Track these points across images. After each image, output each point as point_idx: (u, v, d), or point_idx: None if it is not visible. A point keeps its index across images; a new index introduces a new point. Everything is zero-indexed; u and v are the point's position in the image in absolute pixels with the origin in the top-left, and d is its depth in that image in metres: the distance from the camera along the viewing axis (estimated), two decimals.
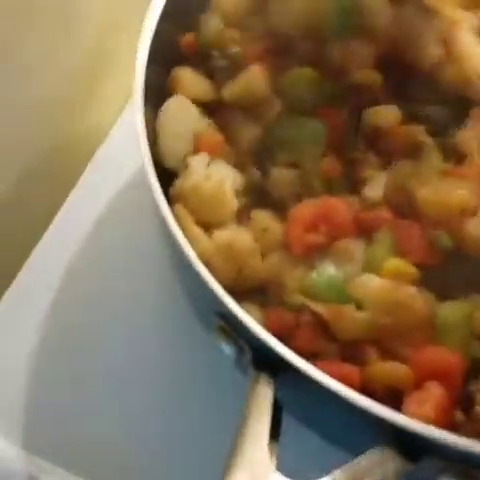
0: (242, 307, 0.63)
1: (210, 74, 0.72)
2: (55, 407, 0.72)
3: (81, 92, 0.89)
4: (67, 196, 0.85)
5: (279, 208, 0.68)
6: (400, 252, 0.62)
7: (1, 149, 0.80)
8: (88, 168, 0.87)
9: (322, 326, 0.60)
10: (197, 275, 0.55)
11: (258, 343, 0.53)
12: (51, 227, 0.83)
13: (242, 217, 0.69)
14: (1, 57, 0.75)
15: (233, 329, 0.55)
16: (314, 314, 0.60)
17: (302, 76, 0.68)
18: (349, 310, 0.59)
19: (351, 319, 0.59)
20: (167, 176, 0.68)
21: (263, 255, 0.66)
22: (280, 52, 0.70)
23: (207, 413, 0.70)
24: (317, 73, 0.69)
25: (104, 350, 0.75)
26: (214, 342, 0.56)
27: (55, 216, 0.84)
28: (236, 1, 0.74)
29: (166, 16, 0.70)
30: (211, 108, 0.71)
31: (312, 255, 0.64)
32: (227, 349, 0.56)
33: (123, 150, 0.83)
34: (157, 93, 0.70)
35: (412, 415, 0.53)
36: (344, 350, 0.59)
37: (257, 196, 0.69)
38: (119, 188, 0.85)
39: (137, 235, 0.79)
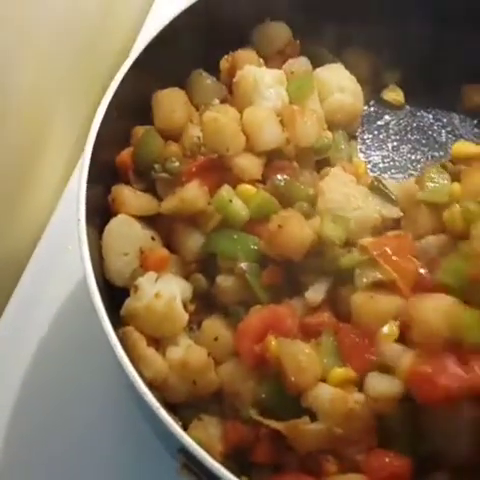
0: (201, 419, 0.68)
1: (150, 187, 0.75)
2: None
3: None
4: None
5: (229, 313, 0.71)
6: (344, 356, 0.67)
7: None
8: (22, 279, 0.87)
9: (281, 438, 0.64)
10: (160, 421, 0.58)
11: None
12: None
13: (193, 323, 0.73)
14: None
15: (196, 466, 0.58)
16: (271, 428, 0.64)
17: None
18: (305, 423, 0.63)
19: (307, 432, 0.63)
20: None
21: (217, 363, 0.69)
22: (218, 168, 0.72)
23: None
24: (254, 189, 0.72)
25: None
26: (179, 476, 0.59)
27: None
28: (177, 116, 0.77)
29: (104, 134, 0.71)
30: (154, 219, 0.74)
31: (264, 364, 0.67)
32: None
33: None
34: (98, 212, 0.72)
35: None
36: (304, 460, 0.64)
37: (206, 302, 0.73)
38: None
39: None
